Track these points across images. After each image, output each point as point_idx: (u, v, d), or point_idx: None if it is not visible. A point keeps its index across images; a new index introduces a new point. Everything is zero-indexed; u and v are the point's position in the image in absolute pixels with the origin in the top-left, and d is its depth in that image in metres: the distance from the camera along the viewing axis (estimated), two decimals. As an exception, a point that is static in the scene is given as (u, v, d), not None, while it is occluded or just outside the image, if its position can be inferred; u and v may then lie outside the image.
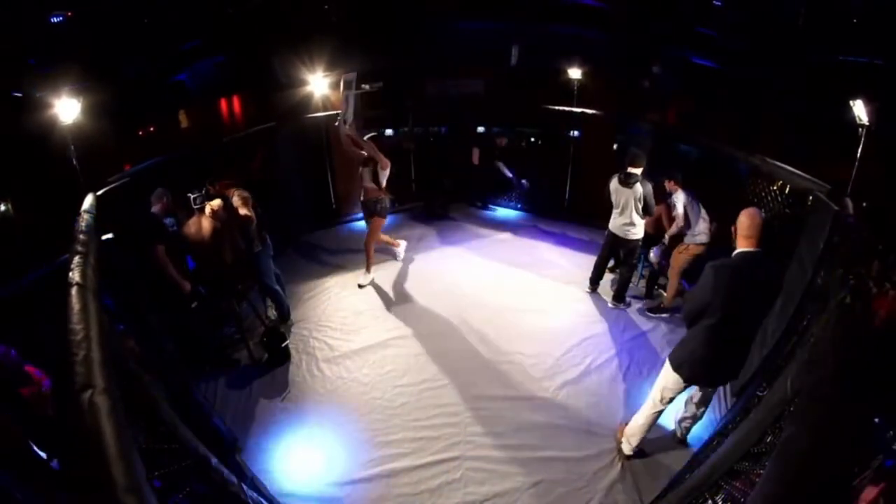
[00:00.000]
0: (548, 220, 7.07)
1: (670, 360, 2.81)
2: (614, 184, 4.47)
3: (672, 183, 4.42)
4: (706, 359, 2.61)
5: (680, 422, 3.20)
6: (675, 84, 6.87)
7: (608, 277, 5.22)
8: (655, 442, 3.23)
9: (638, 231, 4.53)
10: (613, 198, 4.52)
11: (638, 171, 4.30)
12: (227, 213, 3.83)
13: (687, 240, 4.43)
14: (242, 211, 3.89)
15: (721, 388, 3.47)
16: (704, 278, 2.48)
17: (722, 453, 1.94)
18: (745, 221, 2.47)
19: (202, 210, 3.74)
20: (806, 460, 1.07)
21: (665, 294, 4.98)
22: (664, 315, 4.70)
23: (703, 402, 3.00)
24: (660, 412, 2.98)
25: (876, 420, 2.46)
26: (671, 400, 2.92)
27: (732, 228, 2.56)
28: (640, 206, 4.35)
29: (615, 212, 4.57)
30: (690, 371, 2.69)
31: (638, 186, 4.28)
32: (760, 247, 2.48)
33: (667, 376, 2.84)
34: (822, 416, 1.12)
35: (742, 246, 2.48)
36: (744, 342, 2.67)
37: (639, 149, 4.44)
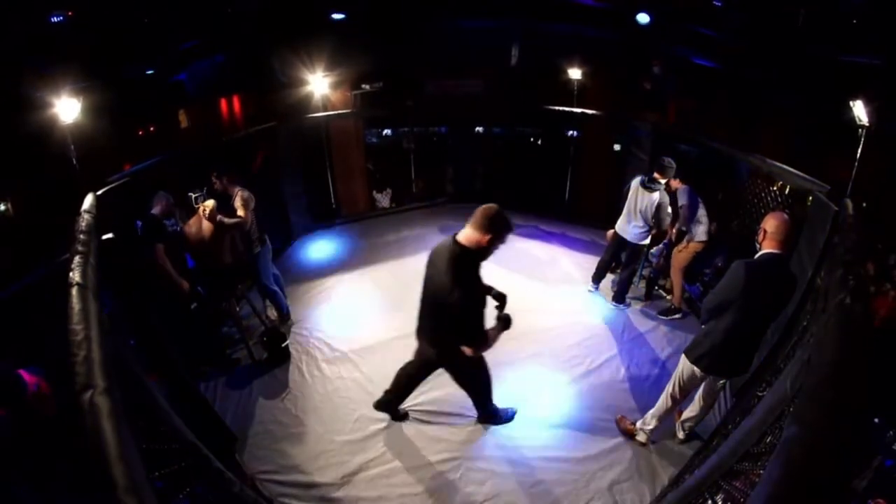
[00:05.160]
0: (547, 220, 7.07)
1: (687, 354, 2.84)
2: (635, 184, 4.47)
3: (677, 181, 4.42)
4: (725, 352, 2.67)
5: (683, 422, 3.21)
6: (675, 84, 6.87)
7: (609, 278, 5.22)
8: (656, 442, 3.24)
9: (646, 237, 4.54)
10: (629, 198, 4.51)
11: (663, 180, 4.31)
12: (222, 214, 3.82)
13: (687, 238, 4.44)
14: (239, 213, 3.89)
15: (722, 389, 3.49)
16: (734, 275, 2.51)
17: (722, 453, 1.94)
18: (774, 224, 2.50)
19: (202, 210, 3.74)
20: (806, 461, 1.07)
21: (667, 297, 5.00)
22: (676, 316, 4.69)
23: (710, 398, 3.01)
24: (676, 406, 3.05)
25: (876, 420, 2.46)
26: (687, 394, 2.98)
27: (759, 230, 2.59)
28: (651, 213, 4.34)
29: (626, 214, 4.56)
30: (709, 363, 2.75)
31: (657, 194, 4.28)
32: (784, 250, 2.52)
33: (684, 371, 2.88)
34: (822, 416, 1.12)
35: (769, 248, 2.51)
36: (758, 337, 2.73)
37: (671, 160, 4.40)
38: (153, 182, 4.10)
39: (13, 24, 4.74)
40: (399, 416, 3.40)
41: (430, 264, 2.54)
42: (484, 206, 2.35)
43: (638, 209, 4.40)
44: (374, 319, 4.68)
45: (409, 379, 3.16)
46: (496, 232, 2.32)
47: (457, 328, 2.45)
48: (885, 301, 3.64)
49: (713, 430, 3.13)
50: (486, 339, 2.50)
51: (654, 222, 4.37)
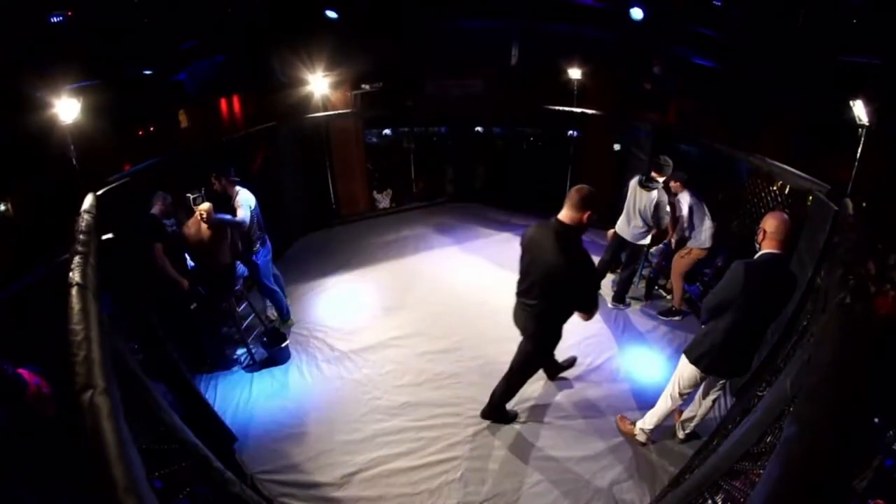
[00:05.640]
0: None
1: (687, 354, 2.84)
2: (633, 184, 4.48)
3: (678, 184, 4.40)
4: (725, 351, 2.67)
5: (683, 422, 3.21)
6: (675, 84, 6.86)
7: (609, 277, 5.22)
8: (656, 442, 3.24)
9: (646, 237, 4.53)
10: (628, 198, 4.52)
11: (661, 179, 4.31)
12: (219, 216, 3.82)
13: (690, 243, 4.42)
14: (239, 213, 3.89)
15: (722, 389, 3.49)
16: (734, 275, 2.51)
17: (722, 453, 1.94)
18: (774, 224, 2.50)
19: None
20: (806, 460, 1.07)
21: (667, 296, 5.00)
22: (676, 318, 4.68)
23: (710, 398, 3.01)
24: (675, 406, 3.05)
25: (876, 420, 2.46)
26: (687, 394, 2.97)
27: (759, 230, 2.59)
28: (650, 212, 4.34)
29: (625, 214, 4.57)
30: (709, 363, 2.74)
31: (655, 193, 4.28)
32: (784, 250, 2.52)
33: (683, 371, 2.88)
34: (822, 416, 1.12)
35: (768, 248, 2.51)
36: (758, 337, 2.72)
37: (668, 158, 4.40)
38: (153, 182, 4.10)
39: (13, 24, 4.74)
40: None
41: (533, 248, 2.74)
42: (576, 187, 2.61)
43: (637, 209, 4.40)
44: (374, 319, 4.69)
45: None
46: (592, 207, 2.56)
47: (574, 298, 2.69)
48: (885, 301, 3.64)
49: (713, 430, 3.13)
50: (597, 303, 2.74)
51: (654, 221, 4.37)
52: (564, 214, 2.60)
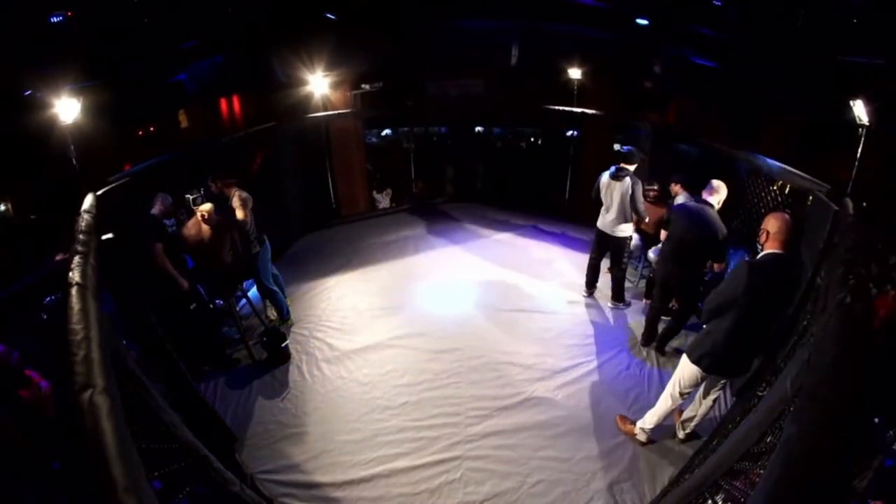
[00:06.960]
0: (547, 221, 7.07)
1: (688, 354, 2.85)
2: (605, 179, 4.47)
3: (677, 186, 4.38)
4: (726, 351, 2.67)
5: (683, 422, 3.21)
6: (675, 84, 6.87)
7: (607, 279, 5.21)
8: (656, 442, 3.24)
9: (626, 228, 4.52)
10: (602, 194, 4.51)
11: (631, 167, 4.30)
12: (220, 216, 3.82)
13: None
14: (239, 214, 3.89)
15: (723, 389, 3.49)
16: (737, 275, 2.53)
17: (722, 453, 1.94)
18: (777, 225, 2.52)
19: (202, 210, 3.74)
20: (806, 460, 1.07)
21: None
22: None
23: (711, 398, 3.01)
24: (676, 406, 3.05)
25: (876, 420, 2.46)
26: (688, 394, 2.97)
27: (761, 231, 2.60)
28: (627, 202, 4.33)
29: (604, 209, 4.57)
30: (710, 363, 2.75)
31: (627, 180, 4.28)
32: (786, 250, 2.54)
33: (684, 371, 2.88)
34: (822, 416, 1.12)
35: (771, 248, 2.53)
36: (759, 338, 2.73)
37: (637, 149, 4.43)
38: (152, 182, 4.10)
39: (13, 24, 4.74)
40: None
41: (685, 223, 3.63)
42: (712, 181, 3.62)
43: (614, 201, 4.40)
44: (374, 319, 4.69)
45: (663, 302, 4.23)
46: (724, 194, 3.61)
47: (719, 254, 3.67)
48: (885, 301, 3.64)
49: (713, 430, 3.12)
50: (726, 257, 3.78)
51: (632, 207, 4.35)
52: (711, 199, 3.55)
